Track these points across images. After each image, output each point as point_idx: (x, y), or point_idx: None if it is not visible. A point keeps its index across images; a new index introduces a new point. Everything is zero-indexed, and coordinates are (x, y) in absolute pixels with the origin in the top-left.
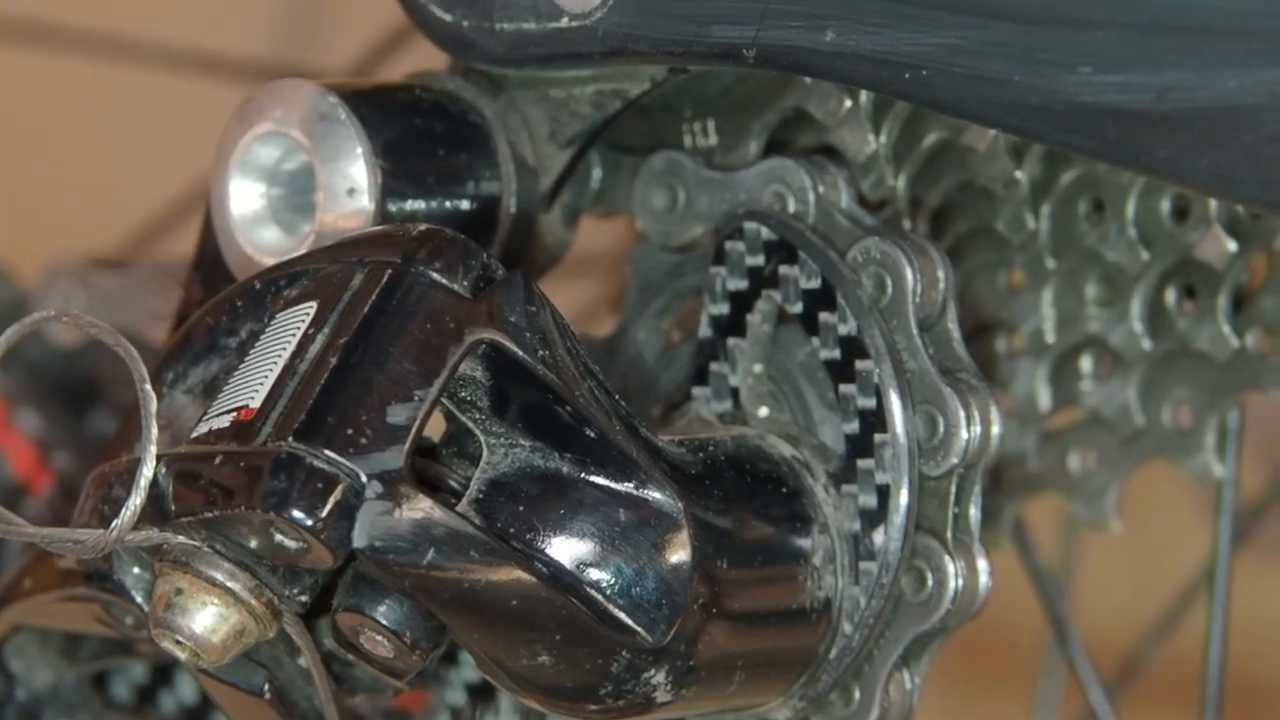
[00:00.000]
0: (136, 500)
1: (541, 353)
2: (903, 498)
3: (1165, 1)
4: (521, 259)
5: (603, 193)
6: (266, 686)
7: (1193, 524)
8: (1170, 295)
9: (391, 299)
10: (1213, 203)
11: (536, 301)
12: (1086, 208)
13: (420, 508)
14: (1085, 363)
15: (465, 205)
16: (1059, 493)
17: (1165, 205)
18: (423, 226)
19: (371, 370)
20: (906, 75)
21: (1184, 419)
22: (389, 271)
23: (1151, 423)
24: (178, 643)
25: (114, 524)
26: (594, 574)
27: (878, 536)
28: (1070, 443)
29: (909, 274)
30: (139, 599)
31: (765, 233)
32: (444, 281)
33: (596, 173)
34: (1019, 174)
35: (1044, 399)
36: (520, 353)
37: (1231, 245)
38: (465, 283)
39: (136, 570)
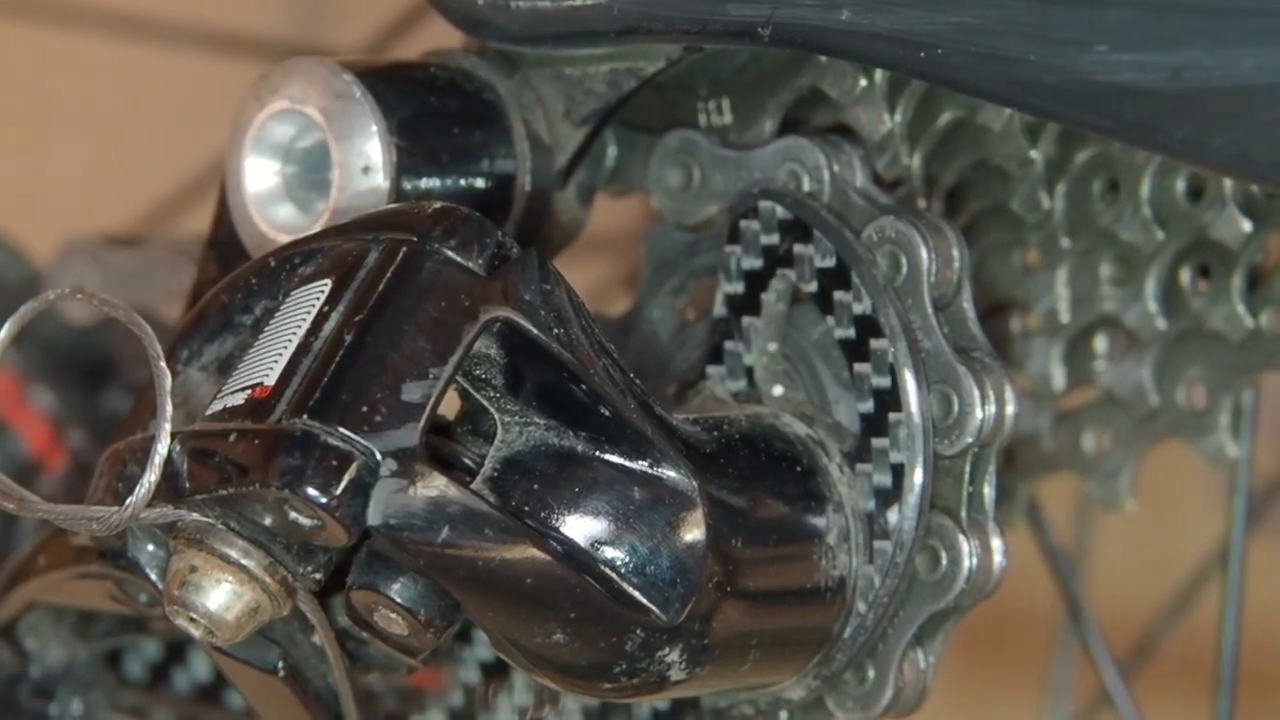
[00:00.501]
0: (151, 477)
1: (556, 330)
2: (917, 476)
3: None
4: (537, 237)
5: (618, 171)
6: (281, 664)
7: (1206, 504)
8: (1185, 275)
9: (406, 276)
10: (1228, 182)
11: (551, 279)
12: (1101, 187)
13: (435, 485)
14: (1100, 342)
15: (480, 183)
16: (1073, 473)
17: (1180, 185)
18: (438, 204)
19: (386, 348)
20: (922, 54)
21: (1198, 399)
22: (404, 249)
23: (1166, 402)
24: (192, 620)
25: (129, 501)
26: (608, 552)
27: (892, 515)
28: (1084, 422)
29: (924, 253)
30: (153, 576)
31: (780, 211)
32: (459, 259)
33: (611, 151)
34: (1034, 153)
35: (1058, 379)
36: (535, 330)
37: (1246, 225)
38: (480, 260)
39: (151, 548)
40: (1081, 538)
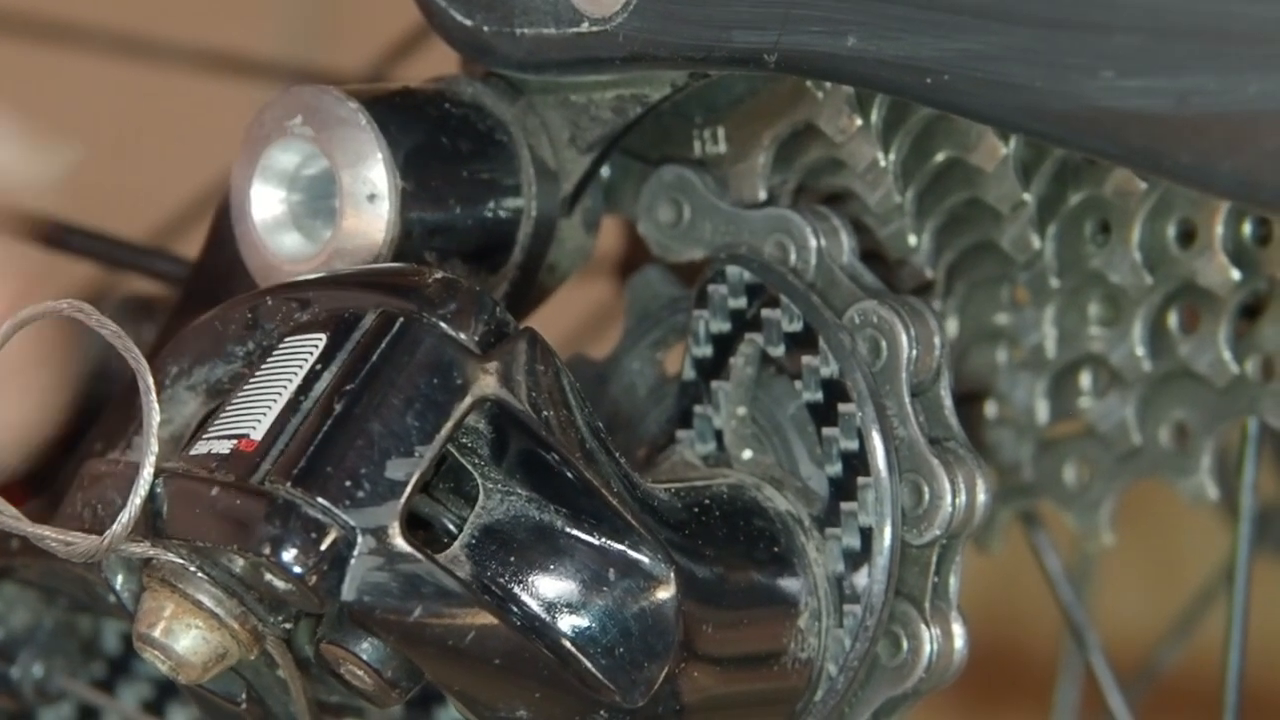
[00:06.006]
0: (130, 513)
1: (545, 413)
2: (886, 539)
3: (1186, 6)
4: (542, 264)
5: (608, 192)
6: (243, 695)
7: (1210, 526)
8: (1172, 318)
9: (400, 348)
10: (1218, 230)
11: (544, 360)
12: (1093, 229)
13: (411, 565)
14: (1084, 379)
15: (485, 210)
16: (1053, 503)
17: (1171, 230)
18: (439, 274)
19: (374, 422)
20: (928, 80)
21: (1181, 440)
22: (400, 320)
23: (1148, 441)
24: (158, 659)
25: (107, 534)
26: (576, 632)
27: (860, 579)
28: (1066, 454)
29: (904, 340)
30: (124, 596)
31: (747, 276)
32: (454, 334)
33: (604, 172)
34: (1027, 195)
35: (1042, 412)
36: (525, 411)
37: (1235, 274)
38: (476, 336)
39: (122, 576)
40: (1085, 559)
